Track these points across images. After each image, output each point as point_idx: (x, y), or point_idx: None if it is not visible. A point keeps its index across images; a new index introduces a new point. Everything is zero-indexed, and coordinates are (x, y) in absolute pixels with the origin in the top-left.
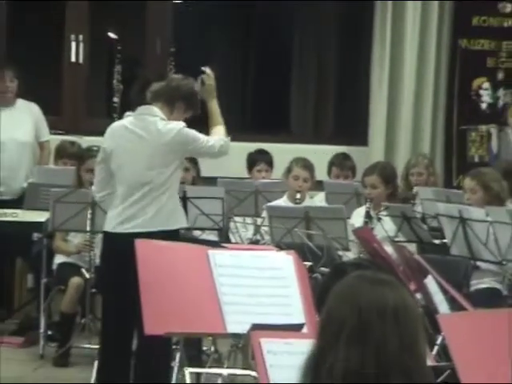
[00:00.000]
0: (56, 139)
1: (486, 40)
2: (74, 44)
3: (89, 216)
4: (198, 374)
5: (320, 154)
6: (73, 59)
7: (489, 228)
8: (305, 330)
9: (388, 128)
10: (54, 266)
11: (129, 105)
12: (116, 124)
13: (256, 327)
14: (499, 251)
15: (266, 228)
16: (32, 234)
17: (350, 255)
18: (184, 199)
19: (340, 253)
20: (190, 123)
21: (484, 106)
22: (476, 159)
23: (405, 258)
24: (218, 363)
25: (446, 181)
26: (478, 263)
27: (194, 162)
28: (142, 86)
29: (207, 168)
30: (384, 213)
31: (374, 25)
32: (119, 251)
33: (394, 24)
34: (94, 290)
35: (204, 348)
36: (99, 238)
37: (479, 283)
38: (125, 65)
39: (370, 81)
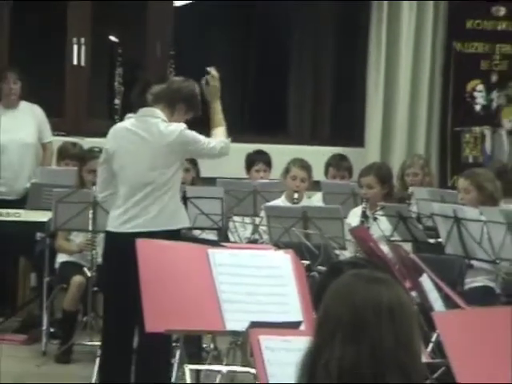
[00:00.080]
0: (58, 140)
1: (480, 43)
2: (75, 47)
3: (90, 216)
4: (198, 371)
5: (317, 155)
6: (75, 62)
7: (483, 227)
8: (302, 327)
9: (384, 129)
10: (57, 265)
11: (130, 107)
12: (118, 125)
13: (255, 325)
14: (493, 250)
15: (264, 227)
16: (35, 234)
17: (346, 254)
18: (184, 199)
19: (337, 252)
20: (191, 124)
21: (478, 107)
22: (470, 160)
23: (400, 256)
24: (218, 360)
25: (440, 181)
26: (472, 262)
27: (193, 162)
28: (142, 88)
29: (207, 168)
30: (380, 212)
31: (369, 29)
32: (121, 250)
33: (390, 27)
34: (95, 289)
35: (204, 345)
36: (101, 237)
37: (473, 282)
38: (126, 67)
39: (366, 83)
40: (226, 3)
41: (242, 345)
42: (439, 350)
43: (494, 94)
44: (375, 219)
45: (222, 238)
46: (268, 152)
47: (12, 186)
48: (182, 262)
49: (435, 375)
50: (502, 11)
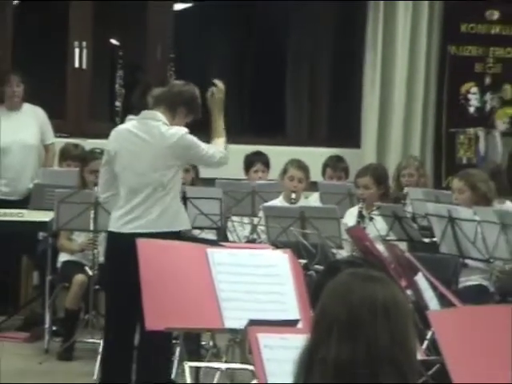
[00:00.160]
0: (60, 142)
1: (474, 46)
2: (77, 50)
3: (92, 216)
4: (197, 368)
5: (314, 156)
6: (76, 65)
7: (477, 227)
8: (300, 325)
9: (380, 131)
10: (59, 264)
11: (130, 109)
12: (120, 127)
13: (253, 323)
14: (487, 249)
15: (262, 227)
16: (37, 233)
17: (343, 253)
18: (184, 199)
19: (334, 251)
20: (190, 127)
21: (472, 109)
22: (464, 161)
23: (396, 255)
24: (217, 357)
25: (435, 182)
26: (467, 261)
27: None
28: (143, 90)
29: (206, 169)
30: (376, 212)
31: (366, 32)
32: (123, 251)
33: (386, 31)
34: (97, 287)
35: (203, 343)
36: (102, 236)
37: (467, 280)
38: (126, 70)
39: (363, 86)
40: (225, 6)
41: (241, 342)
42: (434, 347)
43: (488, 96)
44: (371, 219)
45: (221, 238)
46: (266, 153)
47: (15, 187)
48: (181, 262)
49: (430, 372)
50: (496, 15)
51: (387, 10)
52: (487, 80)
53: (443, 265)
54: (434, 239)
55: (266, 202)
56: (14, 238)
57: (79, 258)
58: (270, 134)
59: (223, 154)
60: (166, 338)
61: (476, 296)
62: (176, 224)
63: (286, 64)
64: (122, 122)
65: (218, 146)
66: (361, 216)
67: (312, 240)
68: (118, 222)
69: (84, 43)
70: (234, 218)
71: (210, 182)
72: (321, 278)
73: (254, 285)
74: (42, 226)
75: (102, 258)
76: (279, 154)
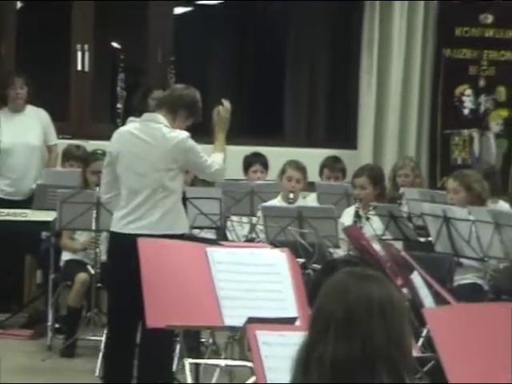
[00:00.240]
0: (63, 143)
1: (468, 49)
2: (79, 53)
3: (94, 215)
4: (197, 365)
5: (312, 157)
6: (79, 68)
7: (471, 227)
8: (298, 323)
9: (376, 132)
10: (62, 263)
11: (132, 111)
12: (122, 129)
13: (252, 320)
14: (481, 248)
15: (261, 227)
16: (40, 233)
17: (340, 252)
18: (184, 200)
19: (331, 250)
20: (191, 129)
21: (466, 111)
22: (459, 162)
23: (392, 254)
24: (216, 354)
25: (430, 182)
26: (461, 260)
27: None
28: (144, 93)
29: None
30: (372, 212)
31: (362, 37)
32: (124, 250)
33: (382, 35)
34: (99, 285)
35: (203, 340)
36: (104, 235)
37: (462, 279)
38: (128, 73)
39: (359, 89)
40: (224, 10)
41: (240, 339)
42: (429, 344)
43: (482, 98)
44: (368, 219)
45: (221, 237)
46: (265, 154)
47: (19, 187)
48: (181, 260)
49: (425, 369)
50: (490, 19)
51: (383, 14)
52: (481, 82)
53: (438, 263)
54: (430, 238)
55: (265, 201)
56: (17, 238)
57: (81, 256)
58: (268, 135)
59: (220, 167)
60: (168, 336)
61: (470, 294)
62: (176, 227)
63: (285, 66)
64: (124, 123)
65: (216, 159)
66: (357, 216)
67: (310, 239)
68: (120, 223)
69: (86, 46)
70: (233, 218)
71: (209, 182)
72: (318, 277)
73: (253, 283)
74: (45, 225)
75: (103, 257)
76: (278, 155)
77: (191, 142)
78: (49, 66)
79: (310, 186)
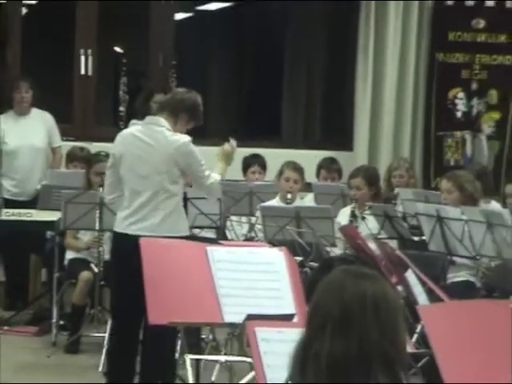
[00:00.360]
0: (67, 145)
1: (461, 53)
2: (83, 58)
3: (97, 215)
4: (198, 360)
5: (309, 158)
6: (82, 72)
7: (464, 226)
8: (295, 319)
9: (371, 134)
10: (66, 262)
11: (134, 114)
12: (125, 132)
13: (251, 317)
14: (473, 247)
15: (259, 226)
16: (45, 232)
17: (336, 251)
18: (185, 200)
19: (327, 249)
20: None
21: (459, 114)
22: (452, 163)
23: (387, 253)
24: (216, 350)
25: (424, 182)
26: (454, 258)
27: None
28: (145, 96)
29: None
30: (368, 212)
31: (357, 41)
32: (127, 250)
33: (376, 40)
34: (102, 283)
35: (203, 336)
36: (107, 235)
37: (455, 276)
38: (130, 77)
39: (355, 92)
40: (223, 17)
41: (239, 336)
42: (423, 340)
43: (474, 101)
44: (363, 218)
45: (220, 236)
46: (263, 155)
47: (24, 188)
48: (182, 259)
49: (419, 364)
50: (482, 24)
51: (378, 19)
52: (473, 86)
53: (432, 262)
54: (424, 237)
55: (263, 202)
56: (22, 237)
57: (85, 255)
58: (266, 137)
59: (215, 182)
60: (170, 333)
61: (463, 291)
62: (177, 229)
63: (283, 71)
64: (126, 126)
65: (213, 175)
66: (353, 215)
67: (307, 238)
68: (123, 223)
69: (89, 51)
70: (233, 218)
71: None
72: (315, 275)
73: (252, 281)
74: (49, 225)
75: (107, 256)
76: (275, 157)
77: (192, 147)
78: (53, 70)
79: (307, 187)
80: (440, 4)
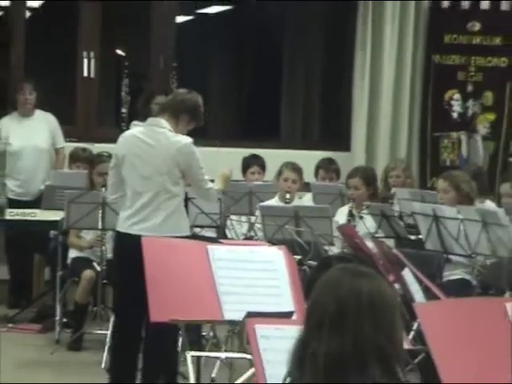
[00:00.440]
0: (70, 146)
1: (457, 56)
2: (86, 60)
3: (100, 215)
4: (198, 357)
5: (308, 159)
6: (85, 74)
7: (460, 225)
8: (294, 317)
9: (368, 135)
10: (69, 260)
11: (135, 115)
12: (127, 133)
13: (250, 314)
14: (469, 246)
15: (259, 225)
16: (49, 232)
17: (334, 250)
18: (186, 200)
19: (326, 247)
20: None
21: (455, 115)
22: (448, 163)
23: (384, 252)
24: (217, 347)
25: (420, 182)
26: (450, 257)
27: None
28: (147, 98)
29: (206, 171)
30: (365, 211)
31: (355, 46)
32: (130, 250)
33: (373, 43)
34: (104, 281)
35: (203, 333)
36: (109, 234)
37: (451, 274)
38: (132, 79)
39: (353, 94)
40: (223, 19)
41: (239, 333)
42: (420, 337)
43: (470, 103)
44: (361, 218)
45: (220, 235)
46: (262, 156)
47: (28, 188)
48: (183, 258)
49: (416, 361)
50: (477, 27)
51: (374, 23)
52: (469, 87)
53: (428, 260)
54: (420, 236)
55: (263, 201)
56: (26, 236)
57: (88, 254)
58: (266, 138)
59: (213, 189)
60: (172, 330)
61: (459, 289)
62: (178, 229)
63: (282, 72)
64: (128, 127)
65: (211, 184)
66: (351, 215)
67: (305, 237)
68: (125, 223)
69: (92, 53)
70: (233, 217)
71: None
72: (314, 273)
73: (252, 279)
74: (53, 224)
75: (109, 255)
76: (275, 157)
77: (194, 148)
78: (56, 72)
79: (306, 187)
80: (436, 7)
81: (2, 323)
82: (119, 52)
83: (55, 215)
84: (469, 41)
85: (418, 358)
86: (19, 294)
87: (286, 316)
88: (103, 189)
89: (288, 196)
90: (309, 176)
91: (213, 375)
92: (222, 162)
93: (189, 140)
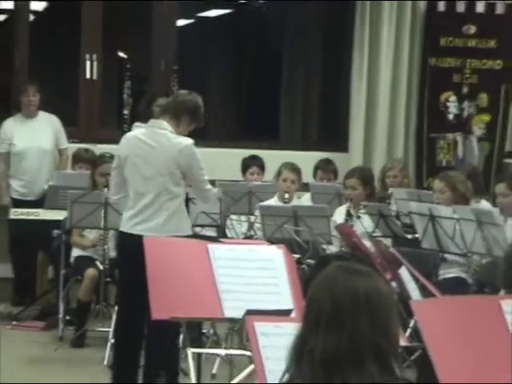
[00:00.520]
0: (73, 147)
1: (453, 58)
2: (88, 63)
3: (102, 214)
4: (199, 354)
5: (306, 160)
6: (88, 76)
7: (455, 224)
8: (293, 314)
9: (366, 136)
10: (72, 259)
11: (137, 117)
12: (129, 134)
13: (250, 312)
14: (464, 245)
15: (258, 225)
16: (52, 231)
17: (332, 248)
18: (187, 199)
19: (324, 246)
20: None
21: (451, 116)
22: (444, 163)
23: (381, 250)
24: (217, 344)
25: (417, 183)
26: (446, 255)
27: None
28: (148, 100)
29: (206, 171)
30: (363, 211)
31: (353, 50)
32: (133, 249)
33: (371, 47)
34: (107, 280)
35: (204, 331)
36: (112, 233)
37: (447, 273)
38: (133, 81)
39: (350, 96)
40: (224, 22)
41: (239, 330)
42: (416, 334)
43: (465, 104)
44: (358, 217)
45: (221, 235)
46: (262, 157)
47: (31, 188)
48: (184, 257)
49: (412, 357)
50: (472, 30)
51: (372, 23)
52: (464, 89)
53: (424, 259)
54: (417, 235)
55: (262, 201)
56: (30, 235)
57: (91, 253)
58: (265, 139)
59: (211, 189)
60: (174, 328)
61: (454, 287)
62: (180, 229)
63: (281, 74)
64: (130, 128)
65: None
66: (349, 214)
67: (304, 236)
68: (128, 223)
69: (95, 56)
70: (233, 217)
71: (210, 183)
72: (312, 271)
73: (252, 278)
74: (56, 224)
75: (111, 253)
76: (274, 158)
77: (195, 150)
78: (59, 74)
79: (305, 187)
80: (432, 10)
81: (6, 321)
82: (121, 55)
83: (58, 215)
84: (464, 43)
85: (414, 355)
86: (23, 292)
87: (284, 314)
88: (105, 189)
89: (287, 196)
90: (307, 176)
91: (213, 371)
92: (222, 163)
93: (190, 141)
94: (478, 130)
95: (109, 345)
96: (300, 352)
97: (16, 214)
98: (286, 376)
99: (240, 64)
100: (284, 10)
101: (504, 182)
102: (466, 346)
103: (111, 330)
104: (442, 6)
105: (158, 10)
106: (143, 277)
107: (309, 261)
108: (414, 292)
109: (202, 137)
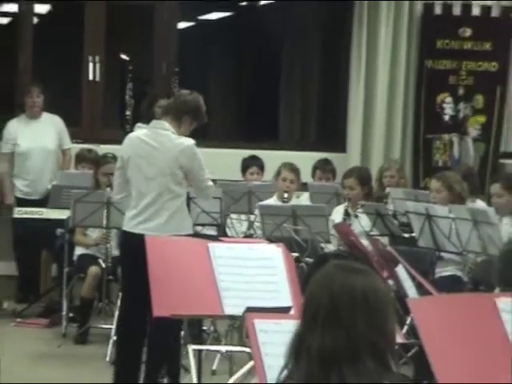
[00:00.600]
0: (76, 147)
1: (449, 60)
2: (91, 64)
3: (105, 214)
4: (200, 351)
5: (305, 160)
6: (90, 77)
7: (451, 223)
8: (292, 312)
9: (364, 137)
10: (75, 257)
11: (139, 117)
12: (132, 135)
13: (250, 309)
14: (460, 243)
15: (258, 224)
16: (56, 230)
17: (331, 247)
18: (187, 199)
19: (322, 245)
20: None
21: (447, 117)
22: (440, 164)
23: (378, 249)
24: (217, 341)
25: (414, 182)
26: (442, 254)
27: None
28: (150, 101)
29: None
30: (360, 210)
31: (350, 52)
32: (135, 248)
33: (369, 50)
34: (110, 277)
35: (204, 328)
36: (114, 232)
37: (443, 271)
38: (135, 83)
39: (348, 97)
40: (224, 25)
41: (239, 327)
42: (413, 332)
43: (461, 106)
44: (356, 216)
45: (221, 233)
46: (261, 157)
47: (35, 188)
48: (185, 255)
49: (409, 354)
50: (468, 32)
51: (370, 23)
52: (460, 91)
53: (421, 257)
54: (413, 234)
55: (262, 201)
56: (34, 234)
57: (93, 251)
58: (265, 140)
59: (212, 185)
60: (175, 325)
61: (450, 285)
62: (181, 229)
63: (280, 76)
64: (132, 129)
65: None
66: (347, 214)
67: (303, 235)
68: (130, 223)
69: (97, 58)
70: (233, 216)
71: (212, 182)
72: (311, 270)
73: (251, 276)
74: (59, 223)
75: (114, 252)
76: (273, 158)
77: (197, 150)
78: (63, 75)
79: (303, 186)
80: (429, 13)
81: (10, 318)
82: (123, 57)
83: (62, 214)
84: (460, 46)
85: (411, 352)
86: (27, 289)
87: (284, 311)
88: (108, 188)
89: (286, 195)
90: (306, 176)
91: (213, 368)
92: (222, 163)
93: (191, 142)
94: (473, 130)
95: (111, 341)
96: (298, 349)
97: (20, 212)
98: (285, 372)
99: (240, 66)
100: (283, 13)
101: (499, 183)
102: (462, 343)
103: (113, 327)
104: (438, 9)
105: (160, 13)
106: (145, 275)
107: (307, 259)
108: (410, 290)
109: (203, 137)
